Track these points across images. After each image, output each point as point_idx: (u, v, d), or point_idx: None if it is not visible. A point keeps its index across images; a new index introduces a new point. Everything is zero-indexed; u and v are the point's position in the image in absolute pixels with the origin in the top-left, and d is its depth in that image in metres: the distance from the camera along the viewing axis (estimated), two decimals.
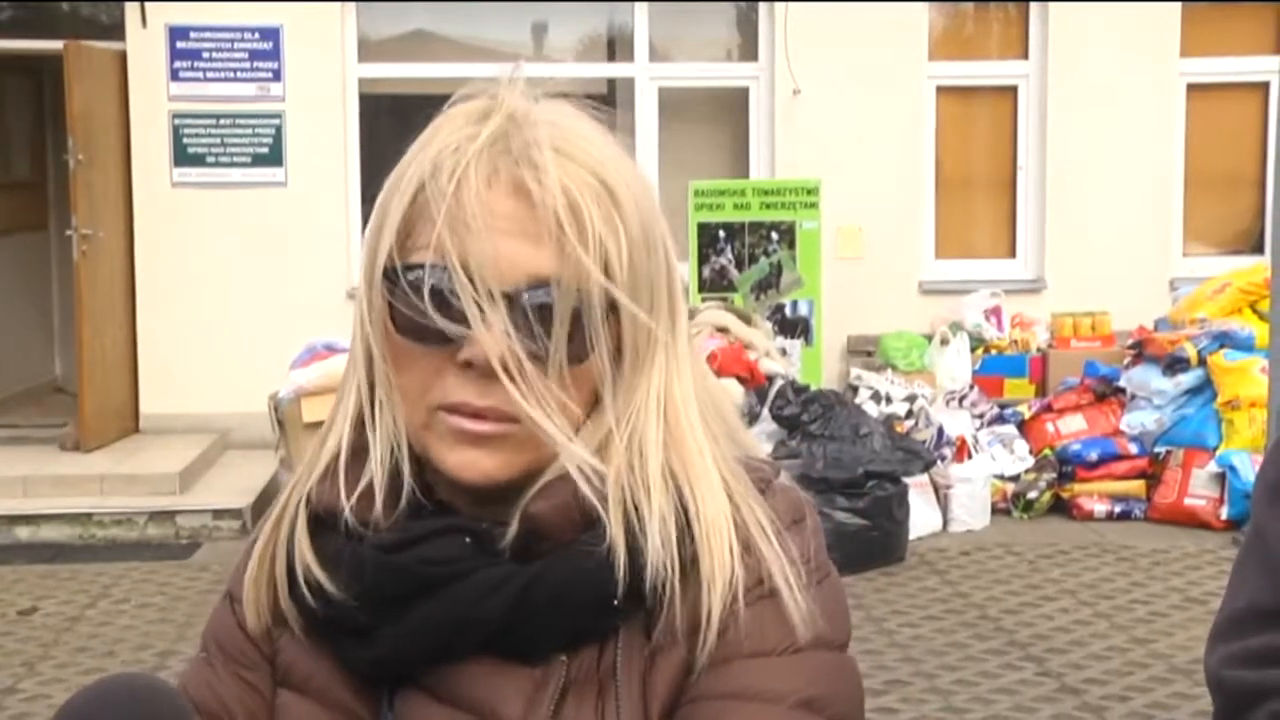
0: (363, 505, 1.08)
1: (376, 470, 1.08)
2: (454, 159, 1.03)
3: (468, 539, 1.06)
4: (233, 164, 8.68)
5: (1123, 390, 7.60)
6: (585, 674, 1.06)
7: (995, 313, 8.57)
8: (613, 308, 1.03)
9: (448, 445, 1.05)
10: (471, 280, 1.01)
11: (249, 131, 8.68)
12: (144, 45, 8.59)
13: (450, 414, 1.04)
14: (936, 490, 7.02)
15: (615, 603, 1.04)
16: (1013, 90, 9.15)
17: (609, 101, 9.04)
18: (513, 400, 1.02)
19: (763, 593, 1.06)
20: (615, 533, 1.03)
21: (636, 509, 1.04)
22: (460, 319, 1.01)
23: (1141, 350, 7.63)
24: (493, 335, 1.00)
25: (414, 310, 1.03)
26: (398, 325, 1.05)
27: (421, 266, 1.02)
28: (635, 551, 1.04)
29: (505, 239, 1.01)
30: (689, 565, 1.05)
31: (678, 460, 1.07)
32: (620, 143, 1.09)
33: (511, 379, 1.01)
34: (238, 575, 1.19)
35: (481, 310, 1.00)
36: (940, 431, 7.17)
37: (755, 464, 1.13)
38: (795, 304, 8.23)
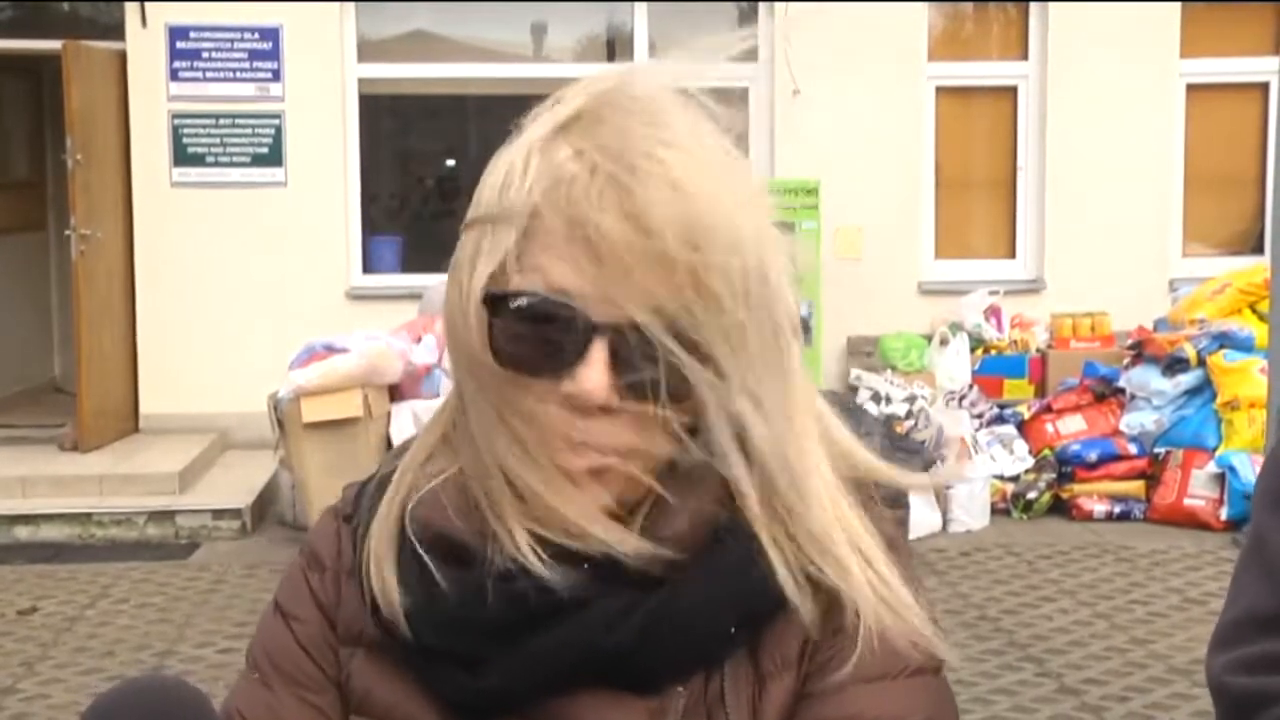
0: (465, 527, 1.04)
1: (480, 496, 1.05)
2: (561, 182, 0.97)
3: (585, 565, 1.01)
4: (232, 164, 8.68)
5: (1122, 391, 7.60)
6: (693, 704, 1.02)
7: (995, 313, 8.57)
8: (725, 337, 0.98)
9: (546, 481, 1.01)
10: (575, 311, 0.96)
11: (248, 131, 8.68)
12: (143, 45, 8.59)
13: (558, 449, 1.00)
14: (936, 491, 7.02)
15: (733, 629, 1.02)
16: (1012, 90, 9.15)
17: None
18: (613, 435, 0.98)
19: (880, 616, 1.03)
20: (741, 555, 1.01)
21: (757, 531, 1.02)
22: (565, 351, 0.97)
23: (1141, 351, 7.63)
24: (595, 369, 0.96)
25: (516, 340, 0.98)
26: (497, 354, 0.99)
27: (526, 294, 0.97)
28: (762, 575, 1.01)
29: (610, 268, 0.96)
30: (807, 585, 1.02)
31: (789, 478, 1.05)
32: (725, 139, 1.03)
33: (612, 414, 0.97)
34: (289, 588, 1.14)
35: (587, 343, 0.96)
36: (940, 432, 7.18)
37: (862, 483, 1.10)
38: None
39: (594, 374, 0.96)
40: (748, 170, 1.04)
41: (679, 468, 1.02)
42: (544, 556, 1.01)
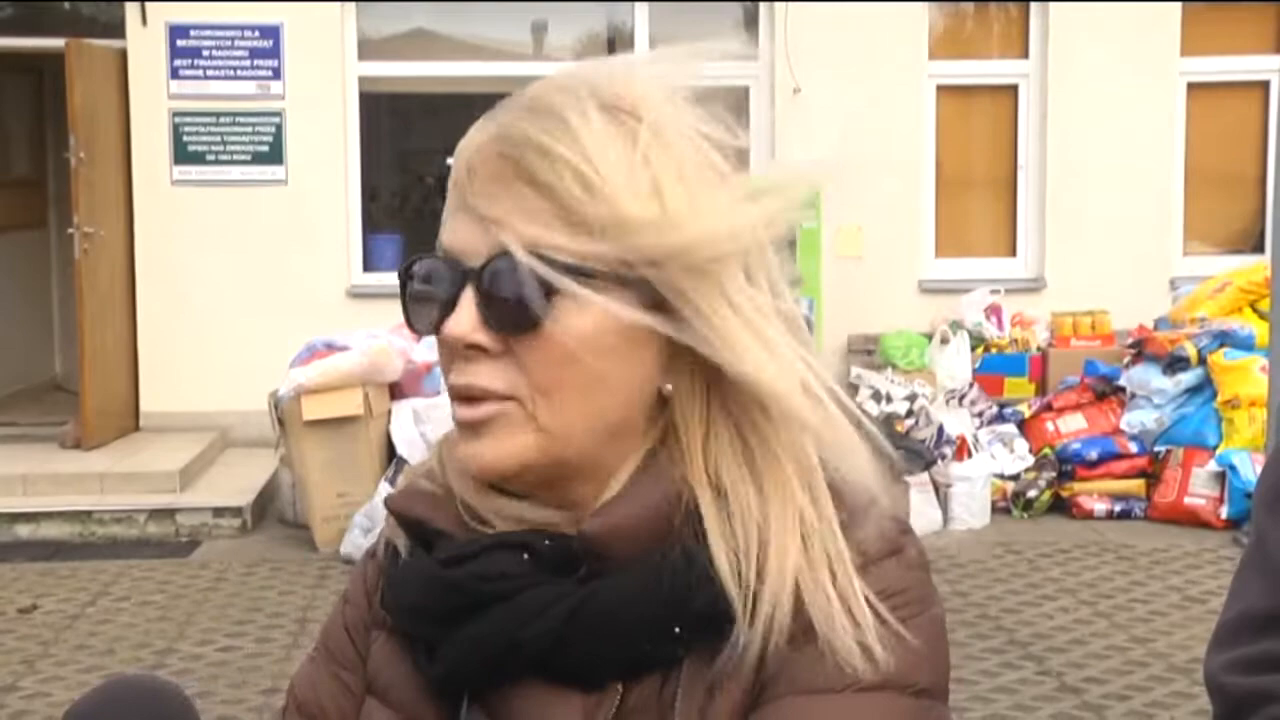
0: (439, 515, 1.07)
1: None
2: (469, 140, 1.04)
3: (525, 555, 1.02)
4: (233, 162, 8.68)
5: (1123, 389, 7.60)
6: (644, 704, 1.01)
7: (995, 311, 8.57)
8: (620, 279, 0.98)
9: (459, 439, 1.04)
10: (446, 263, 1.02)
11: (249, 130, 8.68)
12: (144, 43, 8.59)
13: (453, 403, 1.03)
14: (937, 489, 7.02)
15: (676, 630, 1.00)
16: (1013, 89, 9.15)
17: None
18: (492, 377, 1.00)
19: (833, 628, 0.99)
20: (681, 554, 1.00)
21: (703, 529, 1.00)
22: (443, 303, 1.01)
23: (1141, 349, 7.62)
24: (462, 311, 1.00)
25: (415, 305, 1.05)
26: (411, 324, 1.06)
27: (414, 260, 1.04)
28: (703, 576, 0.99)
29: (467, 214, 1.01)
30: (754, 593, 0.99)
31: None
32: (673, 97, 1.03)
33: (496, 356, 1.00)
34: (354, 574, 1.20)
35: (460, 291, 1.00)
36: (940, 430, 7.17)
37: (847, 488, 1.05)
38: (795, 303, 8.22)
39: (459, 315, 1.00)
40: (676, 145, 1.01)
41: (648, 462, 1.03)
42: (483, 545, 1.03)
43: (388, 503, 1.11)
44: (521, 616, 1.00)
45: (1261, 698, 1.28)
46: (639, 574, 1.00)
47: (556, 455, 1.01)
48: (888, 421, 7.14)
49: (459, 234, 1.01)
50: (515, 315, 0.98)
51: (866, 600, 1.01)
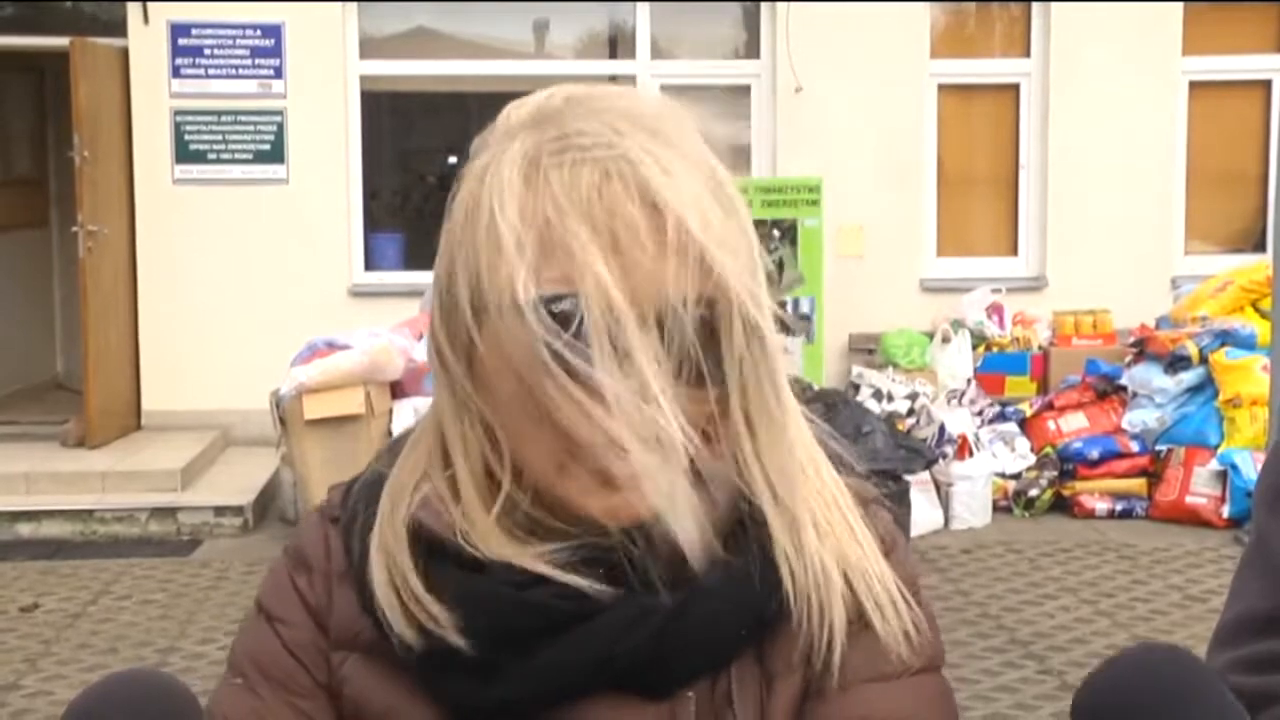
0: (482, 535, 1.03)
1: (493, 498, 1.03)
2: (569, 175, 0.95)
3: (601, 570, 1.00)
4: (234, 161, 8.68)
5: (1124, 388, 7.60)
6: (701, 706, 1.02)
7: (997, 310, 8.57)
8: (748, 321, 0.97)
9: (590, 488, 0.98)
10: (610, 307, 0.93)
11: (250, 128, 8.68)
12: (146, 42, 8.60)
13: (594, 450, 0.95)
14: (938, 488, 7.03)
15: (743, 633, 1.02)
16: (1014, 88, 9.15)
17: None
18: (668, 427, 0.93)
19: (881, 617, 1.05)
20: (760, 557, 1.01)
21: (763, 531, 1.02)
22: (610, 349, 0.93)
23: (1143, 348, 7.63)
24: (647, 363, 0.93)
25: (562, 345, 0.93)
26: (538, 360, 0.94)
27: (567, 297, 0.93)
28: (777, 578, 1.02)
29: (640, 257, 0.93)
30: (813, 588, 1.03)
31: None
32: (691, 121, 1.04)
33: (661, 404, 0.93)
34: (274, 591, 1.11)
35: (625, 338, 0.93)
36: (942, 429, 7.17)
37: (854, 482, 1.10)
38: (797, 302, 8.23)
39: (646, 368, 0.93)
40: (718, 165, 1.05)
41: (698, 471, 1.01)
42: (559, 564, 1.00)
43: (419, 519, 1.03)
44: (611, 634, 0.99)
45: (1264, 699, 1.28)
46: (719, 584, 1.01)
47: None
48: (889, 420, 7.14)
49: (606, 275, 0.94)
50: (699, 375, 0.96)
51: (898, 588, 1.06)
